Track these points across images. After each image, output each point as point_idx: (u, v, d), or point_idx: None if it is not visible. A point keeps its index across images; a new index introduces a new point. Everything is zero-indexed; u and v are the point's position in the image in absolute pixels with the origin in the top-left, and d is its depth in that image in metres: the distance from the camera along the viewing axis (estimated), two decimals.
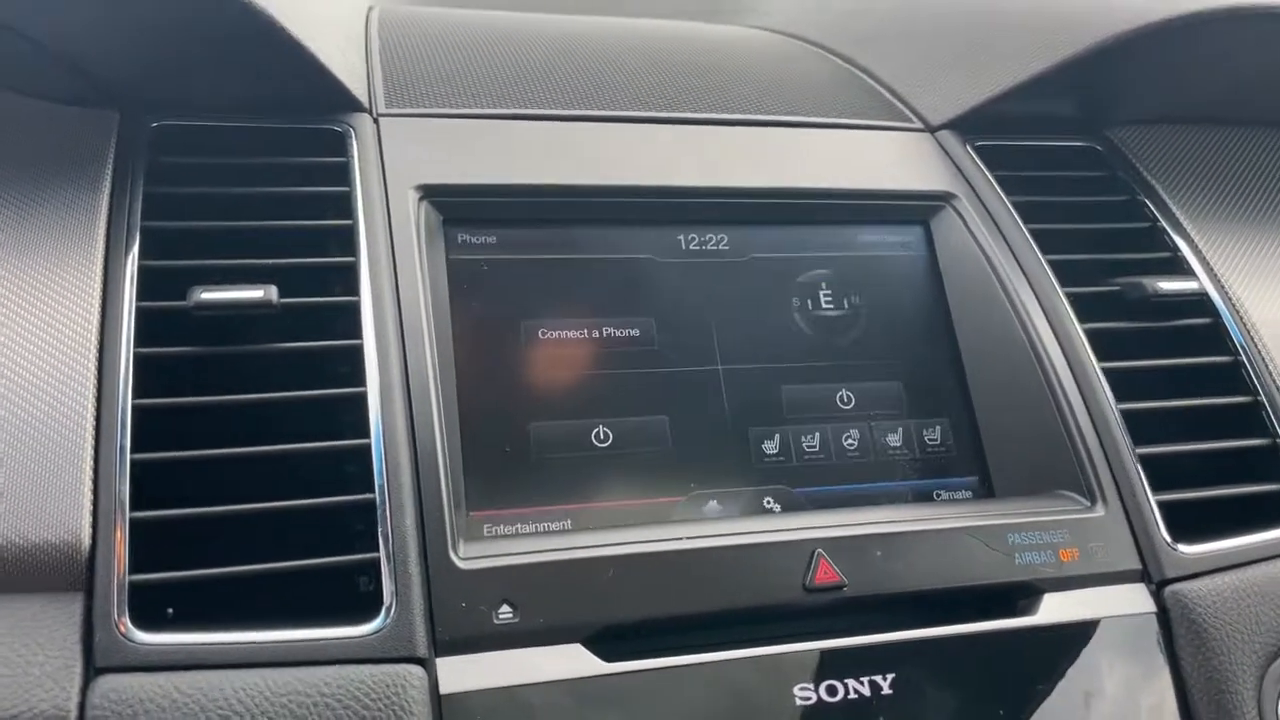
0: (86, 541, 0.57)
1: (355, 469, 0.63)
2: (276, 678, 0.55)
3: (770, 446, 0.76)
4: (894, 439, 0.79)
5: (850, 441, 0.78)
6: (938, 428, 0.80)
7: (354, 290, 0.69)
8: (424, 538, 0.61)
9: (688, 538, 0.65)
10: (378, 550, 0.60)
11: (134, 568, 0.57)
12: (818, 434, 0.78)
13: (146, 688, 0.53)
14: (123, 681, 0.53)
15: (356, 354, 0.66)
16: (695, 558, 0.64)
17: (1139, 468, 0.74)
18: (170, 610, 0.58)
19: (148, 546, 0.58)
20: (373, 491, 0.62)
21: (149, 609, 0.57)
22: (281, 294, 0.66)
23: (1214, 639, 0.68)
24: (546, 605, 0.61)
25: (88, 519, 0.57)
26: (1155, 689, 0.68)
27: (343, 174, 0.74)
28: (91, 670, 0.54)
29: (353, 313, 0.68)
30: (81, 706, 0.52)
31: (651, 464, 0.74)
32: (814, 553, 0.66)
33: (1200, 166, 0.95)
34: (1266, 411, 0.80)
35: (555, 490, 0.71)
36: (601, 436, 0.73)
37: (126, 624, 0.55)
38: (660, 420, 0.75)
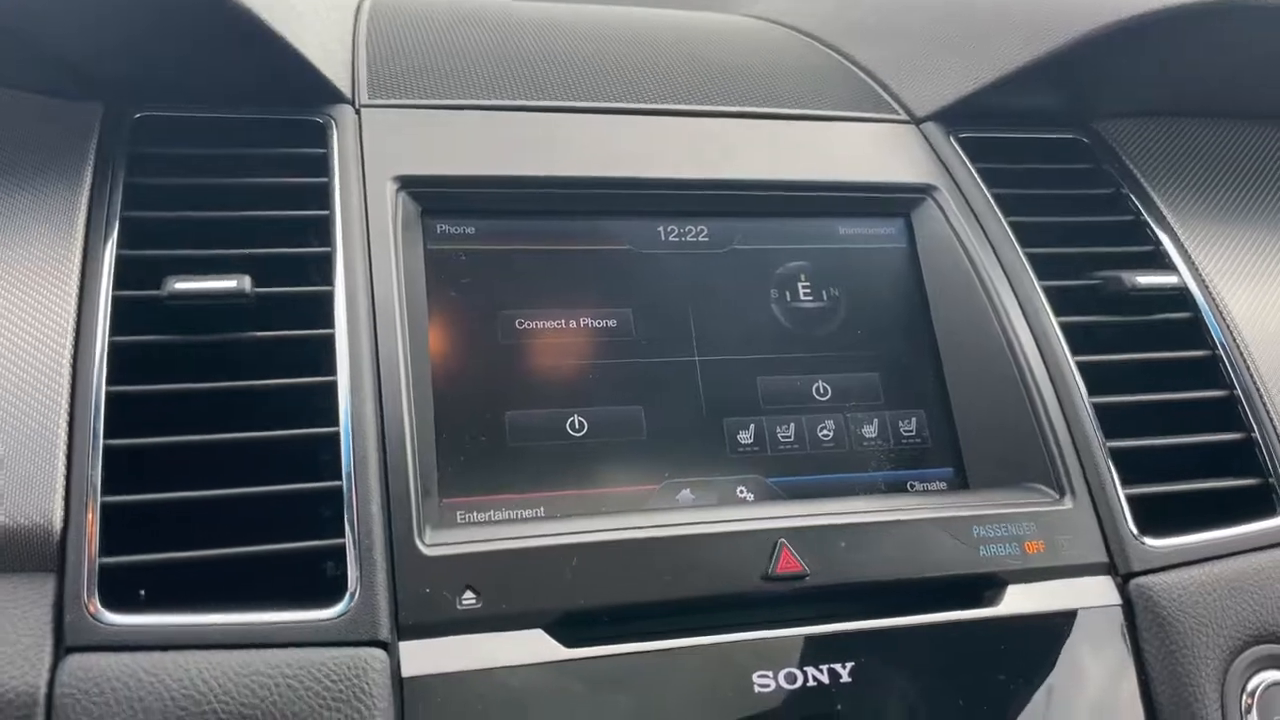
0: (58, 524, 0.58)
1: (325, 456, 0.64)
2: (240, 659, 0.56)
3: (745, 437, 0.77)
4: (870, 430, 0.80)
5: (825, 432, 0.79)
6: (914, 419, 0.81)
7: (329, 280, 0.70)
8: (390, 524, 0.62)
9: (651, 526, 0.66)
10: (344, 536, 0.61)
11: (105, 550, 0.58)
12: (793, 425, 0.78)
13: (114, 667, 0.55)
14: (91, 661, 0.55)
15: (328, 343, 0.67)
16: (658, 546, 0.65)
17: (1109, 461, 0.74)
18: (142, 593, 0.59)
19: (119, 530, 0.59)
20: (340, 479, 0.63)
21: (119, 591, 0.58)
22: (258, 284, 0.68)
23: (1178, 632, 0.69)
24: (509, 592, 0.62)
25: (60, 502, 0.59)
26: (1118, 681, 0.68)
27: (322, 165, 0.76)
28: (61, 649, 0.55)
29: (326, 303, 0.69)
30: (50, 684, 0.54)
31: (626, 453, 0.74)
32: (777, 542, 0.67)
33: (1187, 160, 0.95)
34: (1242, 407, 0.80)
35: (529, 478, 0.72)
36: (577, 426, 0.74)
37: (96, 605, 0.57)
38: (635, 410, 0.76)
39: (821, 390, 0.80)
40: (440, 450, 0.70)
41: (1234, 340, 0.82)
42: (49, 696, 0.53)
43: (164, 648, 0.56)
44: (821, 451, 0.78)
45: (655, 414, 0.76)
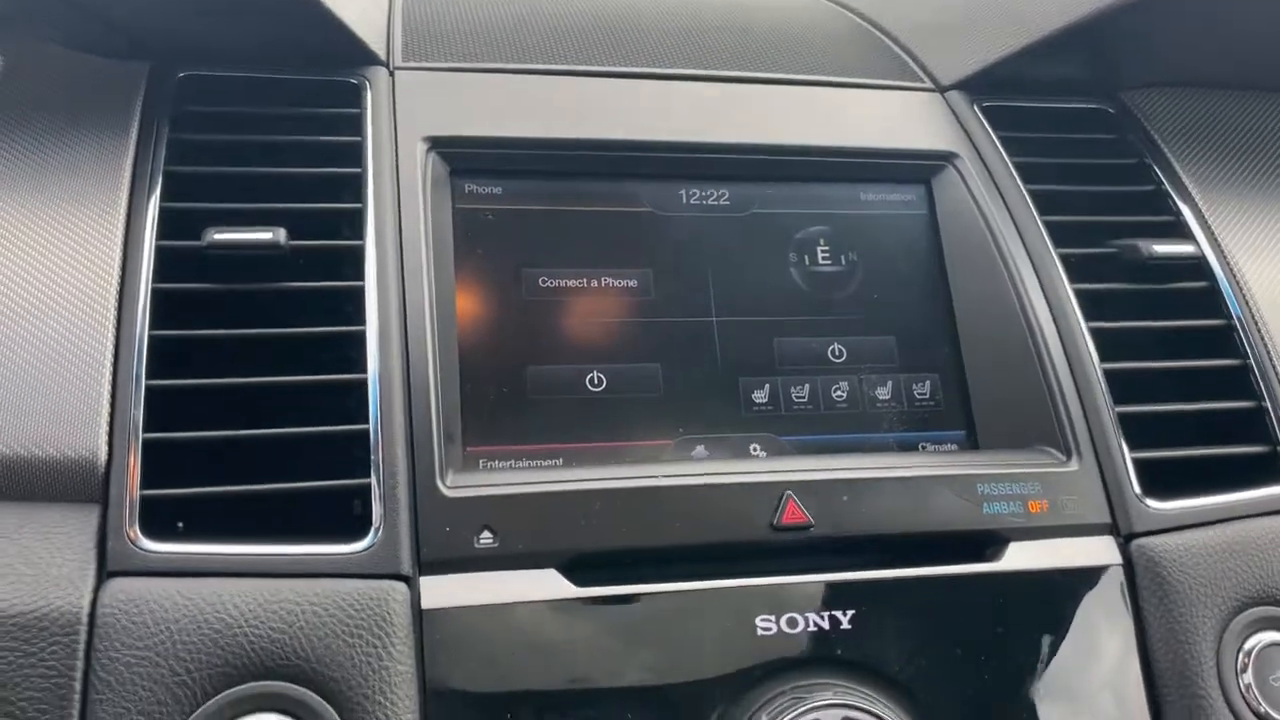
0: (103, 458, 0.62)
1: (353, 402, 0.67)
2: (270, 587, 0.60)
3: (760, 396, 0.79)
4: (883, 392, 0.81)
5: (840, 393, 0.81)
6: (928, 382, 0.82)
7: (360, 235, 0.73)
8: (413, 466, 0.65)
9: (662, 476, 0.69)
10: (369, 476, 0.65)
11: (145, 484, 0.62)
12: (808, 385, 0.80)
13: (152, 590, 0.59)
14: (131, 584, 0.59)
15: (358, 295, 0.70)
16: (668, 494, 0.68)
17: (1116, 425, 0.76)
18: (180, 524, 0.63)
19: (159, 466, 0.63)
20: (367, 423, 0.66)
21: (158, 522, 0.62)
22: (293, 237, 0.71)
23: (1177, 592, 0.70)
24: (524, 533, 0.65)
25: (104, 438, 0.62)
26: (1116, 639, 0.70)
27: (355, 124, 0.78)
28: (104, 574, 0.59)
29: (357, 256, 0.72)
30: (93, 605, 0.58)
31: (642, 409, 0.77)
32: (783, 494, 0.69)
33: (1214, 131, 0.95)
34: (1254, 375, 0.80)
35: (549, 430, 0.75)
36: (595, 381, 0.77)
37: (137, 533, 0.61)
38: (653, 368, 0.78)
39: (837, 352, 0.82)
40: (464, 400, 0.73)
41: (1250, 311, 0.82)
42: (91, 616, 0.57)
43: (199, 574, 0.60)
44: (835, 412, 0.80)
45: (672, 372, 0.78)
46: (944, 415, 0.82)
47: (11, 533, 0.59)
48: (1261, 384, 0.80)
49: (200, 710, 0.56)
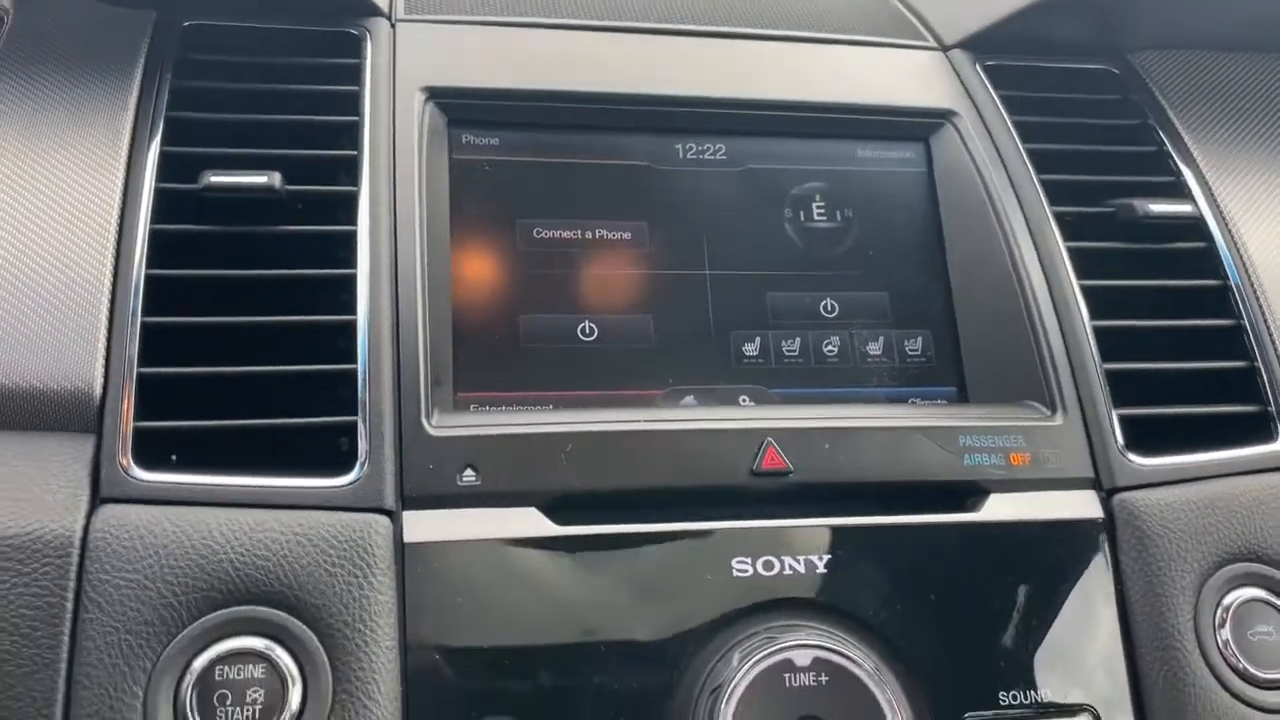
0: (98, 391, 0.64)
1: (343, 344, 0.69)
2: (256, 517, 0.62)
3: (750, 349, 0.80)
4: (874, 348, 0.82)
5: (830, 348, 0.81)
6: (919, 339, 0.83)
7: (355, 182, 0.74)
8: (399, 406, 0.67)
9: (644, 420, 0.70)
10: (356, 414, 0.66)
11: (139, 416, 0.64)
12: (799, 339, 0.81)
13: (142, 517, 0.61)
14: (122, 511, 0.61)
15: (351, 239, 0.72)
16: (650, 438, 0.69)
17: (1103, 380, 0.76)
18: (174, 458, 0.65)
19: (153, 400, 0.65)
20: (356, 363, 0.67)
21: (151, 454, 0.64)
22: (288, 183, 0.72)
23: (1157, 546, 0.70)
24: (507, 471, 0.66)
25: (100, 370, 0.64)
26: (1094, 592, 0.70)
27: (355, 74, 0.80)
28: (97, 500, 0.61)
29: (351, 202, 0.73)
30: (86, 529, 0.60)
31: (633, 359, 0.78)
32: (764, 440, 0.70)
33: (1219, 94, 0.94)
34: (1248, 336, 0.80)
35: (540, 378, 0.76)
36: (587, 331, 0.78)
37: (130, 462, 0.63)
38: (645, 319, 0.79)
39: (829, 307, 0.82)
40: (456, 346, 0.74)
41: (1247, 272, 0.82)
42: (84, 540, 0.59)
43: (188, 503, 0.62)
44: (826, 366, 0.81)
45: (664, 323, 0.79)
46: (935, 371, 0.82)
47: (10, 460, 0.61)
48: (1255, 345, 0.80)
49: (185, 632, 0.58)
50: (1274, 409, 0.78)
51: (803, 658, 0.63)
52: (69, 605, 0.58)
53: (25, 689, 0.56)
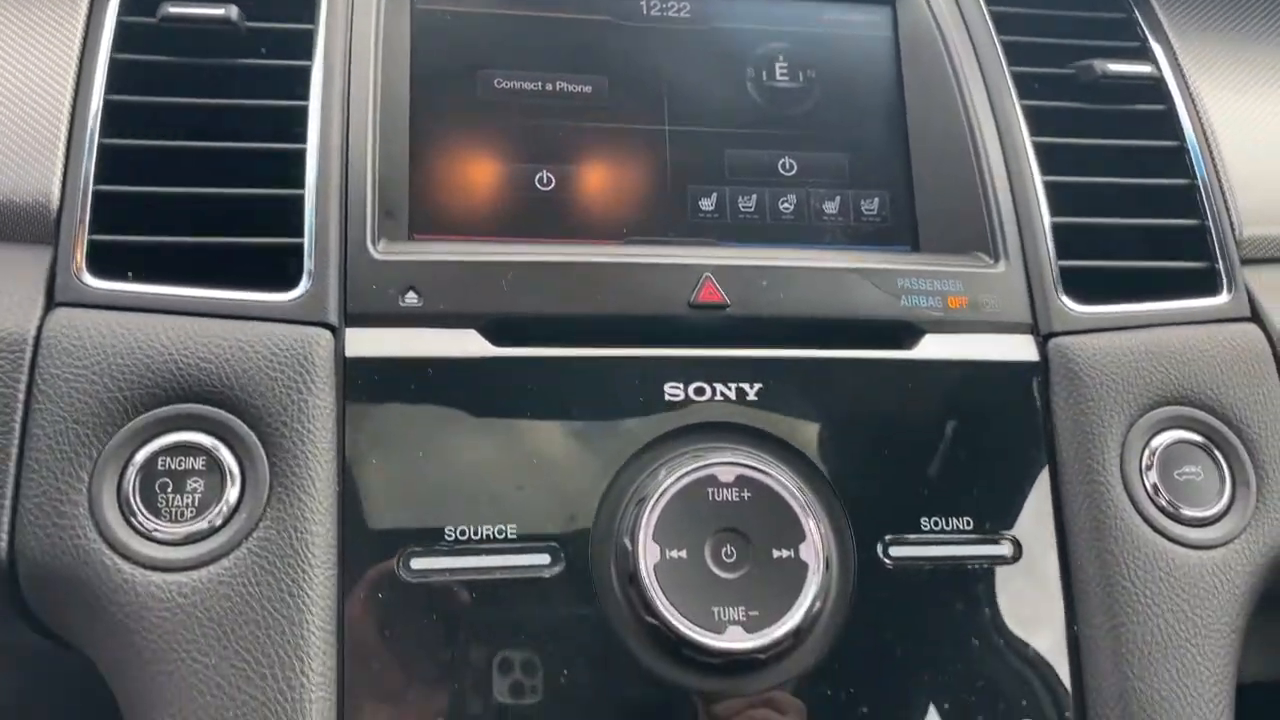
0: (55, 204, 0.67)
1: (295, 173, 0.71)
2: (202, 324, 0.64)
3: (707, 204, 0.81)
4: (830, 207, 0.83)
5: (787, 205, 0.82)
6: (876, 200, 0.83)
7: (313, 20, 0.76)
8: (345, 230, 0.69)
9: (586, 252, 0.72)
10: (303, 236, 0.68)
11: (94, 231, 0.67)
12: (755, 196, 0.82)
13: (93, 319, 0.63)
14: (74, 314, 0.64)
15: (306, 74, 0.73)
16: (590, 269, 0.71)
17: (1048, 233, 0.76)
18: (130, 274, 0.67)
19: (109, 219, 0.68)
20: (304, 188, 0.70)
21: (106, 268, 0.67)
22: (247, 19, 0.74)
23: (1088, 388, 0.71)
24: (448, 295, 0.68)
25: (58, 185, 0.67)
26: (1024, 433, 0.72)
27: None
28: (51, 303, 0.64)
29: (308, 39, 0.75)
30: (39, 329, 0.63)
31: (589, 209, 0.79)
32: (703, 275, 0.71)
33: None
34: (1200, 196, 0.80)
35: (495, 224, 0.78)
36: (544, 181, 0.79)
37: (83, 269, 0.65)
38: (602, 171, 0.81)
39: (788, 166, 0.83)
40: (413, 187, 0.76)
41: (1204, 133, 0.82)
42: (37, 339, 0.62)
43: (138, 309, 0.64)
44: (781, 222, 0.82)
45: (621, 176, 0.81)
46: (890, 231, 0.83)
47: None
48: (1207, 204, 0.80)
49: (130, 424, 0.61)
50: (1221, 265, 0.78)
51: (726, 474, 0.66)
52: (21, 396, 0.61)
53: None
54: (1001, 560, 0.69)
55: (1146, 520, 0.70)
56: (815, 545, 0.65)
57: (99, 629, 0.60)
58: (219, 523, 0.61)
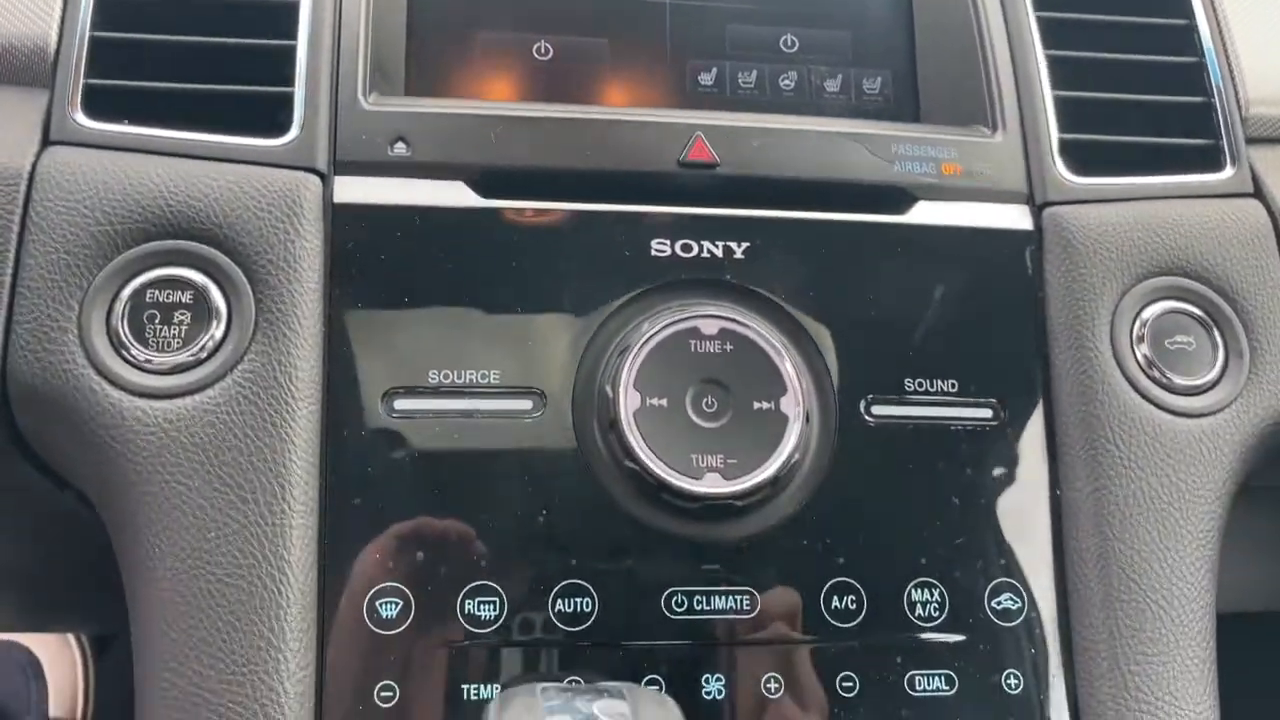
0: (53, 48, 0.67)
1: (290, 25, 0.71)
2: (194, 165, 0.65)
3: (706, 79, 0.81)
4: (832, 84, 0.82)
5: (788, 81, 0.82)
6: (879, 78, 0.82)
7: None
8: (336, 80, 0.69)
9: (578, 109, 0.72)
10: (294, 86, 0.69)
11: (90, 75, 0.67)
12: (755, 71, 0.81)
13: (86, 158, 0.64)
14: (68, 152, 0.65)
15: None
16: (582, 125, 0.71)
17: (1049, 105, 0.75)
18: (126, 121, 0.68)
19: (105, 64, 0.68)
20: (297, 39, 0.70)
21: (102, 111, 0.67)
22: None
23: (1081, 255, 0.71)
24: (437, 146, 0.69)
25: (55, 30, 0.68)
26: (1015, 300, 0.71)
27: None
28: (46, 142, 0.65)
29: None
30: (34, 165, 0.64)
31: (587, 80, 0.79)
32: (694, 134, 0.71)
33: None
34: (1208, 73, 0.79)
35: (491, 92, 0.78)
36: (543, 50, 0.79)
37: (78, 111, 0.66)
38: (601, 42, 0.80)
39: (789, 43, 0.82)
40: (410, 52, 0.76)
41: (1213, 12, 0.80)
42: (32, 174, 0.63)
43: (130, 150, 0.65)
44: (781, 98, 0.81)
45: (620, 48, 0.80)
46: (893, 108, 0.82)
47: None
48: (1214, 82, 0.78)
49: (120, 257, 0.62)
50: (1225, 142, 0.77)
51: (710, 326, 0.66)
52: (15, 228, 0.62)
53: None
54: (986, 423, 0.69)
55: (1135, 386, 0.69)
56: (796, 398, 0.65)
57: (89, 456, 0.61)
58: (204, 355, 0.62)
